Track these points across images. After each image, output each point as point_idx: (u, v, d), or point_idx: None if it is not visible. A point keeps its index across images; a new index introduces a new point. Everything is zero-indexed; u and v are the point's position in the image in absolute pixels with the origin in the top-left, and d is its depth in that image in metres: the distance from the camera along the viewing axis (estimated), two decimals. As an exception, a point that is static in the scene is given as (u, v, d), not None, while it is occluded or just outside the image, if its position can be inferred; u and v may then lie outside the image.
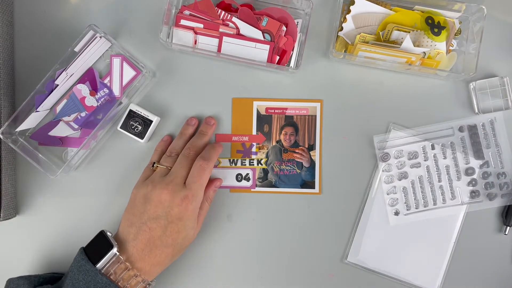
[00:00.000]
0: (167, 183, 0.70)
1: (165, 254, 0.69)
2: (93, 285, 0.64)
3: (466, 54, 0.79)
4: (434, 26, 0.75)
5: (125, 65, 0.77)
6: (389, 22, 0.77)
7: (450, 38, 0.77)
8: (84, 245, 0.69)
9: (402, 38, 0.76)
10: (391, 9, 0.77)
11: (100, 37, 0.76)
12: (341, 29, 0.77)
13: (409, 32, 0.76)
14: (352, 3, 0.77)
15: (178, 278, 0.79)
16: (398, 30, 0.76)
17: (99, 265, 0.65)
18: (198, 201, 0.71)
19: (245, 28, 0.77)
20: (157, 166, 0.74)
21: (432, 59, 0.77)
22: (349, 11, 0.77)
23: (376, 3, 0.77)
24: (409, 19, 0.77)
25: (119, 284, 0.66)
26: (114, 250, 0.66)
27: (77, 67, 0.76)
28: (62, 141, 0.77)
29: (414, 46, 0.75)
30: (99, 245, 0.68)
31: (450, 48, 0.79)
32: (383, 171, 0.80)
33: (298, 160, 0.80)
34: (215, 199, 0.80)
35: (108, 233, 0.69)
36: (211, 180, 0.77)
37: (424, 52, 0.76)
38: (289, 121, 0.80)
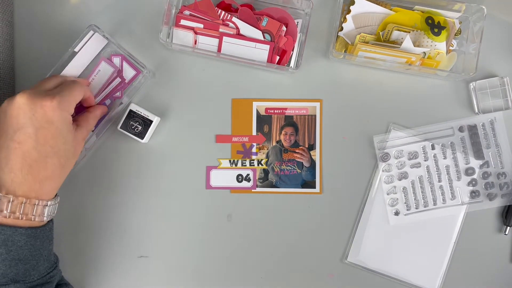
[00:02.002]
0: (25, 91, 0.62)
1: (51, 165, 0.62)
2: None
3: (466, 54, 0.79)
4: (434, 26, 0.75)
5: (125, 64, 0.77)
6: (389, 22, 0.77)
7: (450, 38, 0.77)
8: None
9: (402, 38, 0.76)
10: (391, 9, 0.77)
11: (103, 36, 0.75)
12: (341, 29, 0.77)
13: (409, 32, 0.76)
14: (352, 3, 0.77)
15: (178, 278, 0.79)
16: (398, 30, 0.76)
17: None
18: (67, 104, 0.64)
19: (245, 28, 0.77)
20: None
21: (432, 59, 0.77)
22: (349, 11, 0.77)
23: (376, 3, 0.77)
24: (409, 19, 0.77)
25: (12, 218, 0.60)
26: None
27: (76, 67, 0.76)
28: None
29: (414, 46, 0.75)
30: None
31: (450, 48, 0.79)
32: (383, 171, 0.80)
33: (298, 160, 0.80)
34: (216, 200, 0.80)
35: None
36: (93, 107, 0.73)
37: (424, 52, 0.76)
38: (289, 121, 0.80)
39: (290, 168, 0.80)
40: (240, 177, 0.80)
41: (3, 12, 0.76)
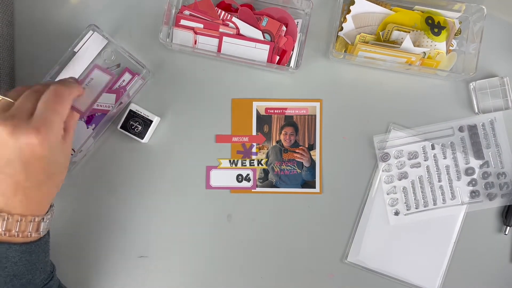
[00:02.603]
0: (6, 118, 0.56)
1: (44, 190, 0.61)
2: None
3: (466, 54, 0.79)
4: (434, 26, 0.75)
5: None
6: (389, 22, 0.77)
7: (450, 38, 0.77)
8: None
9: (402, 38, 0.76)
10: (391, 9, 0.77)
11: (102, 36, 0.75)
12: (341, 29, 0.77)
13: (409, 32, 0.76)
14: (352, 3, 0.77)
15: (178, 278, 0.79)
16: (398, 30, 0.76)
17: None
18: (56, 132, 0.59)
19: (245, 28, 0.77)
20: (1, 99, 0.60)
21: (432, 59, 0.77)
22: (349, 11, 0.77)
23: (376, 3, 0.77)
24: (409, 19, 0.77)
25: (7, 236, 0.58)
26: None
27: (76, 67, 0.75)
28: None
29: (414, 46, 0.75)
30: None
31: (450, 48, 0.79)
32: (383, 171, 0.80)
33: (298, 160, 0.80)
34: (216, 200, 0.80)
35: None
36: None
37: (424, 52, 0.76)
38: (289, 121, 0.80)
39: (290, 168, 0.80)
40: (240, 177, 0.80)
41: (3, 12, 0.76)
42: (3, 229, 0.58)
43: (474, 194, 0.79)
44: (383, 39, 0.77)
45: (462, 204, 0.79)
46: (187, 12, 0.77)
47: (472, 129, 0.80)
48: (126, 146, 0.79)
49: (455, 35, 0.79)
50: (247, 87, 0.80)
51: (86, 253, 0.79)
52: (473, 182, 0.80)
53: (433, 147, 0.80)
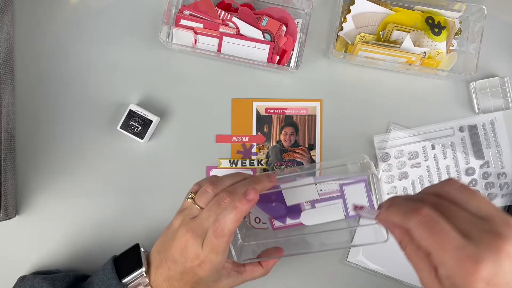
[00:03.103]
0: (189, 229, 0.62)
1: None
2: None
3: (466, 54, 0.79)
4: (434, 26, 0.75)
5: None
6: (389, 22, 0.77)
7: (450, 38, 0.77)
8: (110, 252, 0.69)
9: (402, 38, 0.76)
10: (391, 9, 0.77)
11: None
12: (341, 29, 0.77)
13: (409, 32, 0.76)
14: (352, 3, 0.77)
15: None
16: (398, 30, 0.76)
17: (125, 280, 0.64)
18: (214, 264, 0.62)
19: (245, 28, 0.77)
20: (191, 200, 0.65)
21: (432, 59, 0.77)
22: (349, 11, 0.77)
23: (376, 3, 0.77)
24: (409, 19, 0.77)
25: None
26: (143, 270, 0.64)
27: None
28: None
29: (414, 46, 0.75)
30: (130, 259, 0.67)
31: (450, 48, 0.79)
32: (383, 171, 0.80)
33: (298, 160, 0.80)
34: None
35: (142, 249, 0.67)
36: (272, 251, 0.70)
37: (424, 52, 0.76)
38: (289, 121, 0.80)
39: (290, 168, 0.80)
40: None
41: (3, 12, 0.76)
42: None
43: (474, 194, 0.79)
44: (383, 39, 0.77)
45: (462, 204, 0.80)
46: (187, 12, 0.77)
47: (473, 129, 0.80)
48: (126, 146, 0.79)
49: (455, 35, 0.79)
50: (247, 87, 0.80)
51: (86, 252, 0.79)
52: (474, 182, 0.80)
53: (433, 147, 0.80)
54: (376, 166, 0.80)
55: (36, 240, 0.79)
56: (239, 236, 0.71)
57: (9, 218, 0.76)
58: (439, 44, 0.76)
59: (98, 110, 0.80)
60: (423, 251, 0.47)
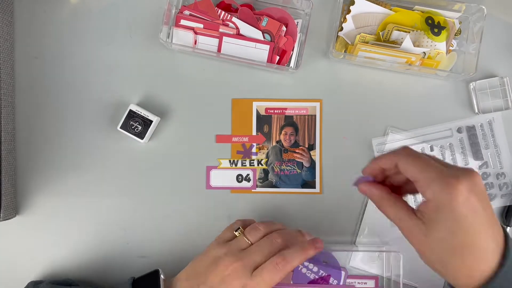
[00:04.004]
0: (239, 259, 0.63)
1: None
2: None
3: (466, 54, 0.79)
4: (434, 26, 0.75)
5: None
6: (389, 22, 0.77)
7: (450, 38, 0.77)
8: (134, 275, 0.69)
9: (402, 38, 0.76)
10: (391, 9, 0.77)
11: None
12: (341, 29, 0.78)
13: (409, 32, 0.76)
14: (352, 3, 0.77)
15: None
16: (398, 30, 0.76)
17: None
18: None
19: (245, 28, 0.77)
20: (241, 234, 0.68)
21: (432, 59, 0.77)
22: (349, 11, 0.77)
23: (376, 3, 0.77)
24: (409, 19, 0.77)
25: None
26: None
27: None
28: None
29: (414, 46, 0.75)
30: (149, 283, 0.66)
31: (450, 48, 0.79)
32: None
33: (298, 160, 0.80)
34: (216, 200, 0.80)
35: (162, 276, 0.67)
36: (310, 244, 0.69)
37: (424, 52, 0.76)
38: (289, 121, 0.80)
39: (290, 168, 0.80)
40: (240, 177, 0.80)
41: (3, 12, 0.76)
42: None
43: (473, 194, 0.80)
44: (383, 39, 0.77)
45: (461, 205, 0.80)
46: (187, 12, 0.77)
47: (471, 130, 0.80)
48: (126, 146, 0.79)
49: (455, 35, 0.79)
50: (247, 87, 0.80)
51: (86, 253, 0.79)
52: (473, 183, 0.80)
53: (431, 149, 0.80)
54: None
55: (36, 240, 0.79)
56: None
57: (9, 218, 0.76)
58: (439, 44, 0.76)
59: (98, 110, 0.80)
60: (402, 202, 0.56)
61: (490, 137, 0.80)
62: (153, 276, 0.67)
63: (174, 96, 0.80)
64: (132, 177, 0.79)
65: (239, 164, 0.80)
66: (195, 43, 0.77)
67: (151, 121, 0.77)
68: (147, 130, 0.77)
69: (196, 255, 0.68)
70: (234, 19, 0.77)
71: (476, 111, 0.79)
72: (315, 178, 0.80)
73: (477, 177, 0.51)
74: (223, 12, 0.77)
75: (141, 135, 0.77)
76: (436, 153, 0.80)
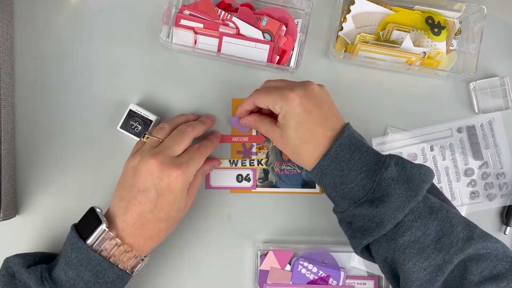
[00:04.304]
0: (156, 153, 0.67)
1: (158, 228, 0.67)
2: (86, 262, 0.64)
3: (466, 54, 0.79)
4: (434, 26, 0.75)
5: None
6: (389, 22, 0.77)
7: (450, 38, 0.77)
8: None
9: (402, 38, 0.76)
10: (391, 9, 0.77)
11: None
12: (341, 29, 0.78)
13: (409, 32, 0.76)
14: (352, 3, 0.77)
15: (177, 278, 0.80)
16: (398, 30, 0.76)
17: (89, 241, 0.64)
18: (190, 174, 0.68)
19: (245, 28, 0.77)
20: (148, 137, 0.71)
21: (432, 59, 0.77)
22: (349, 11, 0.77)
23: (376, 3, 0.77)
24: (409, 19, 0.77)
25: (111, 260, 0.65)
26: (103, 226, 0.65)
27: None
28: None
29: (414, 46, 0.75)
30: (89, 221, 0.67)
31: (450, 48, 0.79)
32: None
33: (298, 160, 0.81)
34: (216, 200, 0.80)
35: (98, 210, 0.68)
36: (209, 159, 0.78)
37: (424, 52, 0.76)
38: (289, 121, 0.80)
39: (290, 168, 0.80)
40: (240, 177, 0.80)
41: (3, 12, 0.76)
42: (111, 252, 0.65)
43: (473, 195, 0.79)
44: (383, 39, 0.77)
45: (462, 205, 0.80)
46: (187, 12, 0.77)
47: (471, 130, 0.80)
48: (126, 146, 0.79)
49: (455, 35, 0.79)
50: (247, 87, 0.80)
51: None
52: (473, 183, 0.80)
53: (431, 149, 0.80)
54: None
55: (36, 240, 0.79)
56: None
57: (9, 218, 0.76)
58: (439, 44, 0.77)
59: (98, 110, 0.80)
60: (268, 119, 0.72)
61: (490, 137, 0.80)
62: (91, 213, 0.68)
63: (174, 96, 0.80)
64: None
65: (239, 164, 0.80)
66: (195, 43, 0.77)
67: (151, 121, 0.77)
68: (147, 130, 0.77)
69: (118, 182, 0.70)
70: (234, 19, 0.77)
71: (476, 111, 0.79)
72: (315, 178, 0.80)
73: (309, 86, 0.68)
74: (223, 12, 0.77)
75: (141, 135, 0.77)
76: (436, 153, 0.80)
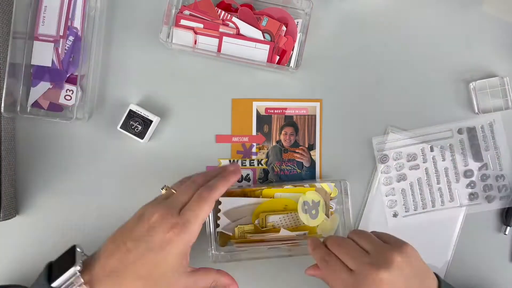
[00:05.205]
0: (164, 204, 0.63)
1: (133, 286, 0.60)
2: None
3: (345, 211, 0.80)
4: (310, 210, 0.76)
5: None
6: (260, 211, 0.76)
7: (328, 206, 0.78)
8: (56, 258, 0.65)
9: (280, 220, 0.77)
10: (260, 194, 0.77)
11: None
12: (218, 225, 0.76)
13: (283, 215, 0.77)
14: (219, 202, 0.76)
15: None
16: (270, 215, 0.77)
17: (55, 284, 0.59)
18: (189, 235, 0.61)
19: (245, 28, 0.77)
20: (166, 189, 0.68)
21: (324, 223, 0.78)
22: (218, 210, 0.76)
23: (243, 194, 0.77)
24: (277, 205, 0.77)
25: None
26: (76, 268, 0.59)
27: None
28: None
29: (293, 227, 0.77)
30: (66, 260, 0.62)
31: (331, 210, 0.79)
32: (382, 172, 0.80)
33: (298, 160, 0.80)
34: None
35: (78, 249, 0.63)
36: (216, 273, 0.67)
37: (304, 233, 0.77)
38: (289, 121, 0.80)
39: (290, 168, 0.81)
40: (240, 177, 0.80)
41: (3, 12, 0.76)
42: None
43: (472, 196, 0.80)
44: (261, 226, 0.76)
45: (460, 207, 0.80)
46: (187, 12, 0.77)
47: (471, 131, 0.80)
48: (126, 146, 0.79)
49: (330, 199, 0.79)
50: (247, 87, 0.80)
51: (86, 252, 0.79)
52: (472, 185, 0.80)
53: (432, 149, 0.80)
54: (375, 167, 0.80)
55: (36, 240, 0.79)
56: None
57: (9, 218, 0.76)
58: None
59: (98, 110, 0.80)
60: None
61: (491, 139, 0.80)
62: (71, 251, 0.63)
63: (174, 96, 0.80)
64: (132, 177, 0.79)
65: (239, 164, 0.80)
66: (195, 43, 0.77)
67: (151, 121, 0.77)
68: (147, 130, 0.77)
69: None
70: (234, 19, 0.77)
71: (476, 111, 0.79)
72: (315, 178, 0.80)
73: (376, 284, 0.59)
74: (223, 12, 0.77)
75: (141, 135, 0.77)
76: (436, 154, 0.80)
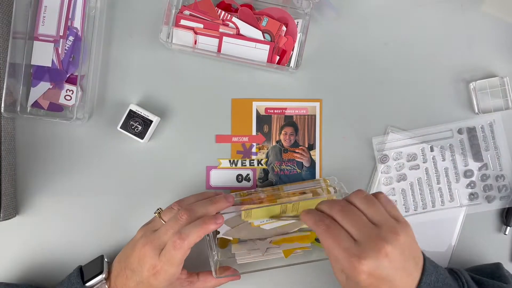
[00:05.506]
0: (149, 241, 0.67)
1: None
2: None
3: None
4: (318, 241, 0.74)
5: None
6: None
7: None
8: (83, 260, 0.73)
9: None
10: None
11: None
12: (218, 232, 0.74)
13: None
14: (218, 232, 0.74)
15: None
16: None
17: (89, 284, 0.69)
18: (168, 275, 0.66)
19: (245, 28, 0.77)
20: (158, 215, 0.71)
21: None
22: (218, 232, 0.74)
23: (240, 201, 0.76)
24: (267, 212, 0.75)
25: None
26: (103, 276, 0.69)
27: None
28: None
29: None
30: (94, 267, 0.71)
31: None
32: (382, 172, 0.80)
33: (298, 160, 0.80)
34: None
35: (106, 259, 0.73)
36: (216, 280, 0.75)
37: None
38: (289, 121, 0.80)
39: (290, 168, 0.81)
40: (240, 177, 0.80)
41: (3, 12, 0.76)
42: None
43: (472, 196, 0.80)
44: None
45: (460, 207, 0.80)
46: (187, 12, 0.77)
47: (471, 131, 0.80)
48: (126, 146, 0.79)
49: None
50: (247, 87, 0.80)
51: (85, 253, 0.79)
52: (472, 185, 0.80)
53: (432, 149, 0.80)
54: (375, 167, 0.80)
55: (36, 240, 0.79)
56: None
57: (9, 218, 0.76)
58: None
59: (98, 110, 0.80)
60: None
61: (491, 139, 0.80)
62: (99, 259, 0.73)
63: (174, 96, 0.80)
64: (132, 177, 0.79)
65: (239, 164, 0.80)
66: (195, 43, 0.77)
67: (151, 121, 0.77)
68: (147, 130, 0.77)
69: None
70: (234, 19, 0.77)
71: (476, 111, 0.79)
72: (315, 177, 0.80)
73: (382, 258, 0.56)
74: (223, 12, 0.77)
75: (141, 135, 0.77)
76: (436, 154, 0.80)
